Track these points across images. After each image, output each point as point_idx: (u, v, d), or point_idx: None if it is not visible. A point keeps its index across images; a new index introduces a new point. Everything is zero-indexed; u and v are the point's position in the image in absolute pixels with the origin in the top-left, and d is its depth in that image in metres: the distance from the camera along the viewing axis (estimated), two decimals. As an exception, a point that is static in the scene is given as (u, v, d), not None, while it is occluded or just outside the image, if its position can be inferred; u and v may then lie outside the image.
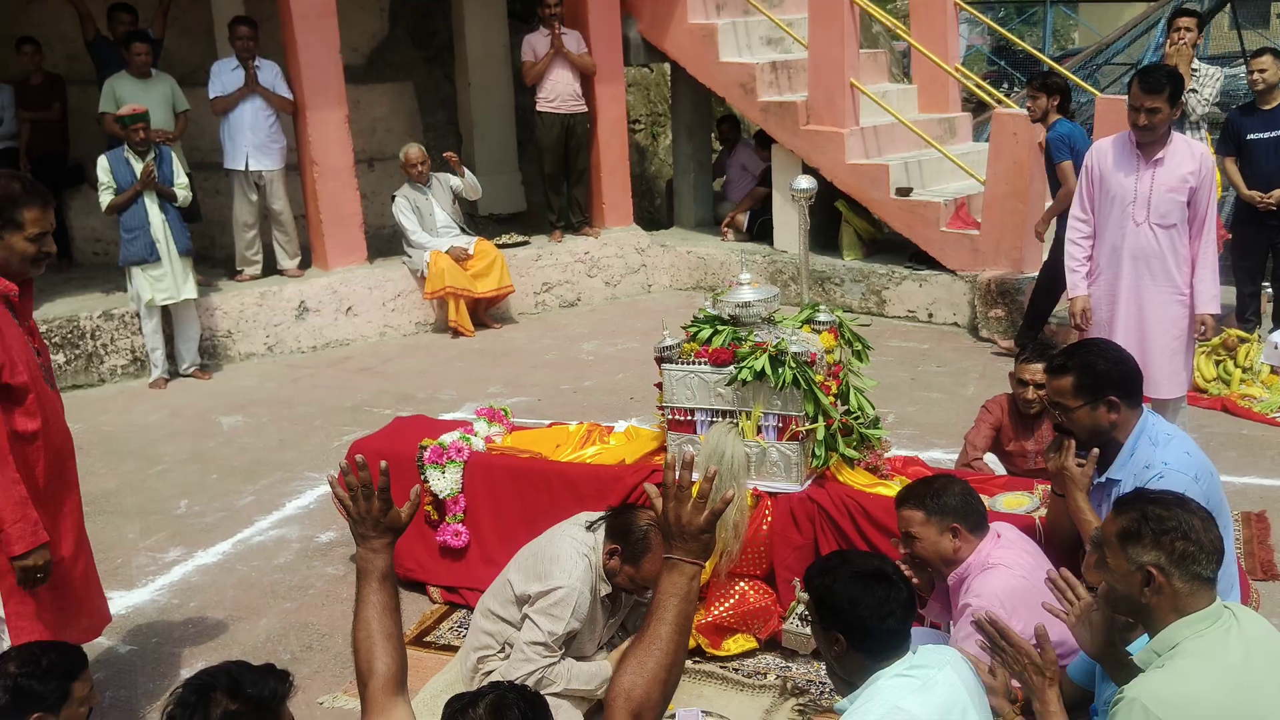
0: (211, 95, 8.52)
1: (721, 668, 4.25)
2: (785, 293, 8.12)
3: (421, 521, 4.88)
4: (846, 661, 2.74)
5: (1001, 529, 3.60)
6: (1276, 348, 6.97)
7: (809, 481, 4.32)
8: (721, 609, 4.30)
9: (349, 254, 9.01)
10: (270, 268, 8.96)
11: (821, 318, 4.49)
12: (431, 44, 11.41)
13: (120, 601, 4.98)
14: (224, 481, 6.28)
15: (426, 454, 4.81)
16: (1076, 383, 3.48)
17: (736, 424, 4.28)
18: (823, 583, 2.81)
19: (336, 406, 7.43)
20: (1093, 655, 2.86)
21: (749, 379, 4.16)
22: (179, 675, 4.37)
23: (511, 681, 2.28)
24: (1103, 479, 3.52)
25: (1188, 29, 7.56)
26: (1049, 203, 7.49)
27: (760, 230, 9.91)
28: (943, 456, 5.90)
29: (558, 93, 9.38)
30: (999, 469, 4.93)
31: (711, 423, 4.32)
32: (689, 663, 4.27)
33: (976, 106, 11.19)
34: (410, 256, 8.99)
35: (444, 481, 4.78)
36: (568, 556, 3.85)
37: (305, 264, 9.05)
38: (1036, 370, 4.73)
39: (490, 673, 3.90)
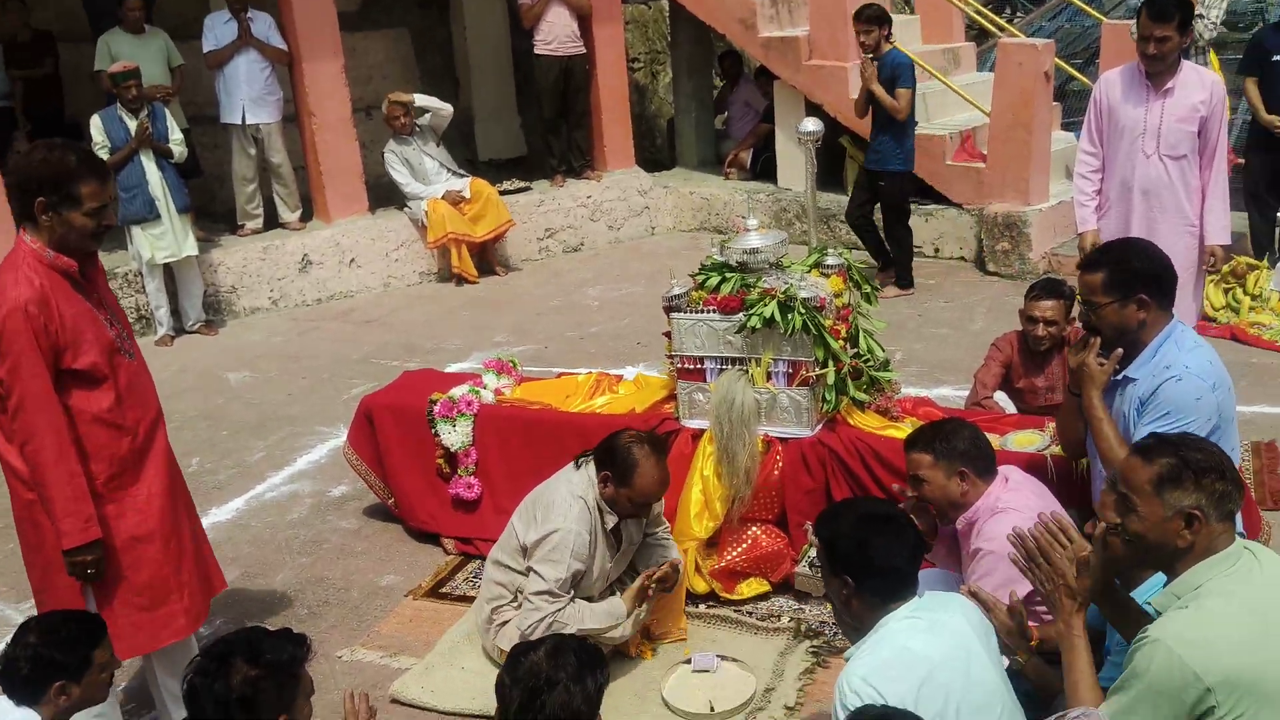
0: (205, 49, 8.40)
1: (735, 612, 4.29)
2: (790, 231, 8.09)
3: (434, 474, 4.90)
4: (855, 605, 2.75)
5: (1009, 472, 3.59)
6: (1286, 274, 6.92)
7: (820, 426, 4.31)
8: (734, 554, 4.32)
9: (350, 205, 8.95)
10: (272, 221, 8.91)
11: (830, 261, 4.45)
12: (425, -13, 11.24)
13: (137, 562, 5.03)
14: (234, 438, 6.30)
15: (437, 408, 4.81)
16: (1108, 279, 3.39)
17: (746, 371, 4.26)
18: (831, 527, 2.82)
19: (343, 359, 7.42)
20: (1089, 598, 2.85)
21: (758, 326, 4.14)
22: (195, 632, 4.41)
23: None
24: (1119, 376, 3.45)
25: None
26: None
27: (764, 168, 9.81)
28: (952, 394, 5.89)
29: (555, 35, 9.24)
30: (1009, 407, 4.92)
31: (721, 370, 4.31)
32: (702, 607, 4.31)
33: (978, 35, 11.03)
34: (410, 206, 8.93)
35: (455, 435, 4.78)
36: (561, 500, 3.86)
37: (307, 216, 9.00)
38: (1047, 307, 4.70)
39: (505, 622, 3.93)
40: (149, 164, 7.52)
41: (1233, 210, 5.42)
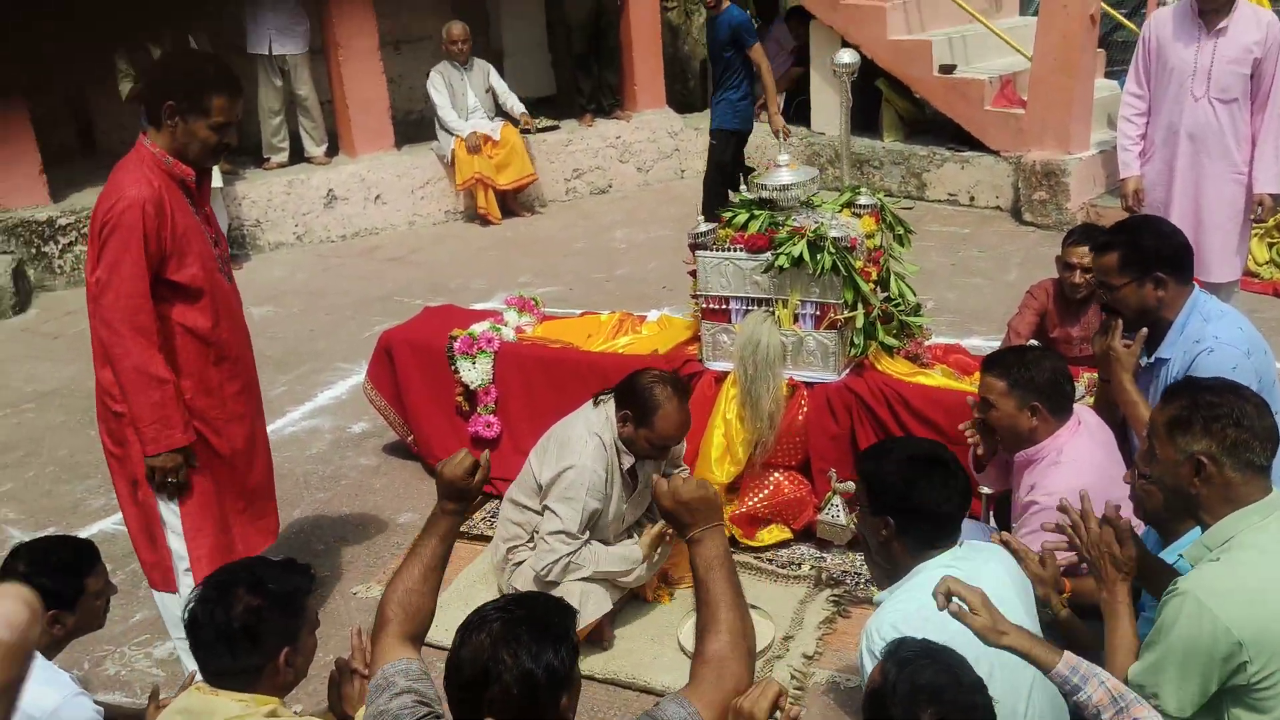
0: (231, -24, 8.28)
1: (755, 558, 4.21)
2: (824, 177, 7.90)
3: (453, 413, 4.84)
4: (894, 548, 2.66)
5: (1084, 415, 3.41)
6: (1334, 229, 6.70)
7: (846, 371, 4.21)
8: (756, 500, 4.24)
9: (376, 140, 8.84)
10: (297, 155, 8.82)
11: (862, 201, 4.31)
12: (457, -81, 11.02)
13: (155, 492, 5.01)
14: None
15: (456, 344, 4.73)
16: (1123, 259, 3.31)
17: (772, 312, 4.15)
18: (877, 465, 2.73)
19: (367, 296, 7.36)
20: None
21: (786, 265, 4.02)
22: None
23: (535, 596, 2.20)
24: (1151, 359, 3.37)
25: None
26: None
27: (797, 112, 9.61)
28: (983, 343, 5.76)
29: (588, -31, 9.05)
30: (1043, 357, 4.78)
31: (747, 311, 4.20)
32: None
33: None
34: (439, 140, 8.80)
35: (474, 372, 4.71)
36: (578, 437, 3.79)
37: (332, 151, 8.90)
38: (1084, 253, 4.54)
39: (521, 563, 3.87)
40: (173, 94, 7.42)
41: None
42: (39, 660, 2.65)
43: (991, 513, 3.80)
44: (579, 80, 9.60)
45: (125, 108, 7.90)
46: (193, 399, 3.42)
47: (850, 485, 4.11)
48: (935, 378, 4.19)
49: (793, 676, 3.58)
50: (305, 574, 2.54)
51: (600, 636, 3.78)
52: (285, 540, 4.56)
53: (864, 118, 8.80)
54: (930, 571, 2.60)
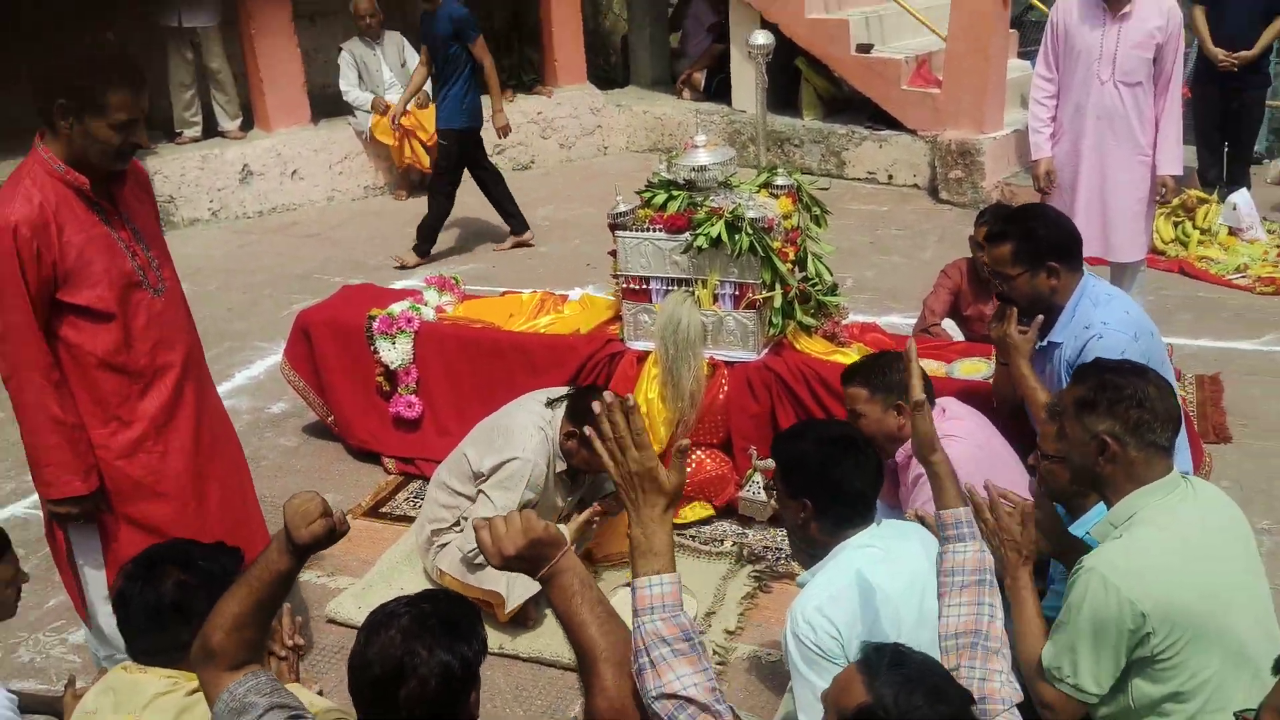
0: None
1: (678, 535, 4.24)
2: (744, 154, 7.96)
3: (374, 392, 4.81)
4: (811, 530, 2.71)
5: (946, 403, 3.59)
6: (1235, 209, 6.93)
7: (766, 350, 4.27)
8: (678, 477, 4.28)
9: (291, 114, 8.68)
10: (210, 129, 8.62)
11: (779, 181, 4.36)
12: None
13: (67, 477, 4.91)
14: (170, 353, 6.14)
15: (375, 324, 4.70)
16: (1015, 250, 3.42)
17: (692, 292, 4.19)
18: (792, 447, 2.77)
19: (285, 274, 7.25)
20: (1049, 554, 2.84)
21: (705, 246, 4.06)
22: (130, 550, 4.32)
23: (443, 592, 2.18)
24: (1044, 343, 3.49)
25: None
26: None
27: (718, 89, 9.64)
28: (900, 321, 5.87)
29: (506, -57, 8.96)
30: (957, 334, 4.90)
31: (667, 291, 4.23)
32: (645, 531, 4.27)
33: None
34: (355, 117, 8.67)
35: (394, 352, 4.69)
36: (522, 428, 3.80)
37: (247, 125, 8.72)
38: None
39: (445, 545, 3.87)
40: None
41: (1184, 144, 5.39)
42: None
43: None
44: (499, 56, 9.50)
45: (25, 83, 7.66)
46: (113, 436, 3.10)
47: (770, 463, 4.17)
48: (852, 356, 4.26)
49: (715, 652, 3.64)
50: (235, 555, 2.53)
51: (526, 617, 3.81)
52: (203, 524, 4.50)
53: (783, 95, 8.87)
54: (849, 551, 2.66)
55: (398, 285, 6.39)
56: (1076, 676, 2.43)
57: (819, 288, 4.37)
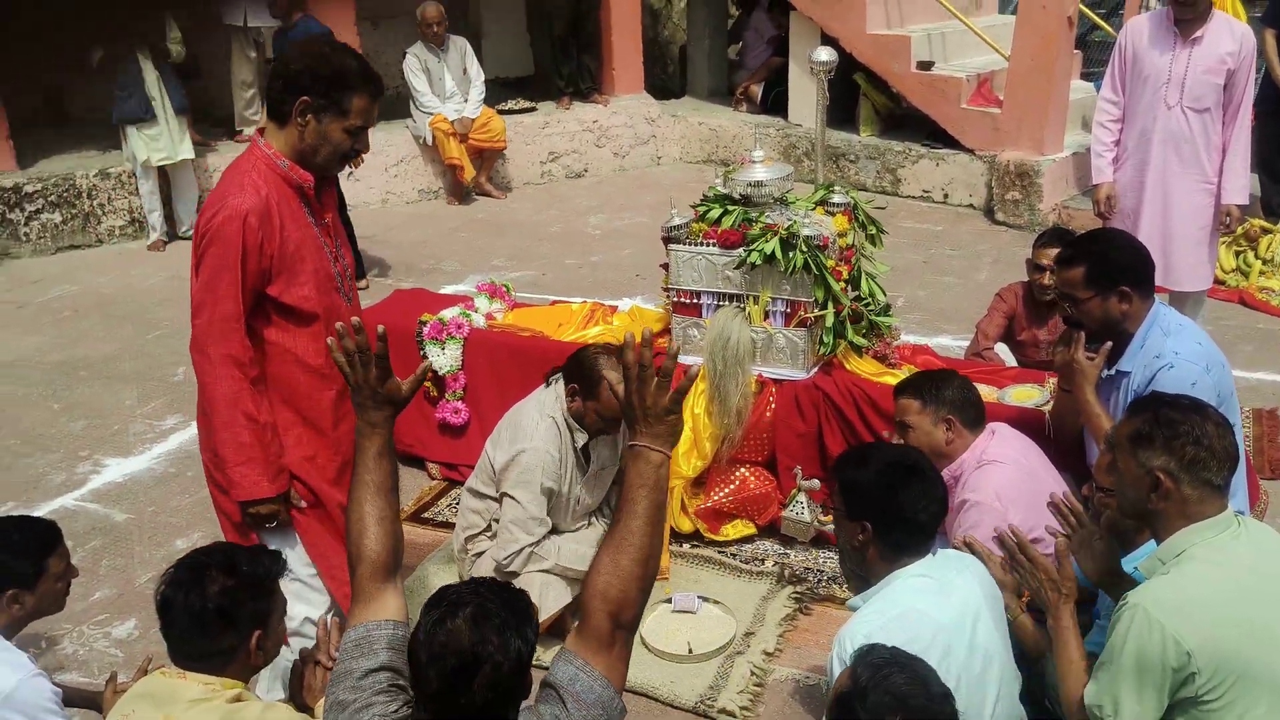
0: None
1: (719, 553, 4.23)
2: (799, 169, 7.91)
3: (421, 398, 4.81)
4: (869, 554, 2.66)
5: (997, 426, 3.54)
6: (1300, 239, 6.78)
7: (815, 369, 4.22)
8: (721, 494, 4.25)
9: (350, 116, 8.74)
10: (271, 128, 8.71)
11: (836, 199, 4.32)
12: (438, -105, 10.90)
13: (117, 469, 4.97)
14: (223, 349, 6.19)
15: (426, 329, 4.71)
16: (1088, 273, 3.34)
17: (743, 308, 4.16)
18: (856, 471, 2.73)
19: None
20: (1095, 582, 2.80)
21: (758, 262, 4.03)
22: (175, 545, 4.37)
23: (494, 580, 2.18)
24: (1112, 371, 3.41)
25: None
26: None
27: (775, 102, 9.61)
28: (952, 343, 5.79)
29: (568, -50, 8.98)
30: (1010, 359, 4.82)
31: (718, 306, 4.20)
32: (686, 547, 4.26)
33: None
34: (414, 120, 8.73)
35: (444, 358, 4.69)
36: (529, 419, 3.78)
37: (306, 126, 8.79)
38: (1054, 255, 4.57)
39: (480, 553, 3.86)
40: (146, 63, 7.34)
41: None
42: (-3, 638, 2.64)
43: None
44: (557, 63, 9.54)
45: (95, 75, 7.80)
46: (299, 443, 3.02)
47: (815, 483, 4.14)
48: (903, 378, 4.21)
49: (753, 673, 3.60)
50: (275, 558, 2.54)
51: (563, 627, 3.79)
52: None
53: (841, 111, 8.81)
54: (903, 580, 2.62)
55: (449, 289, 6.42)
56: (1118, 716, 2.38)
57: (872, 308, 4.32)
